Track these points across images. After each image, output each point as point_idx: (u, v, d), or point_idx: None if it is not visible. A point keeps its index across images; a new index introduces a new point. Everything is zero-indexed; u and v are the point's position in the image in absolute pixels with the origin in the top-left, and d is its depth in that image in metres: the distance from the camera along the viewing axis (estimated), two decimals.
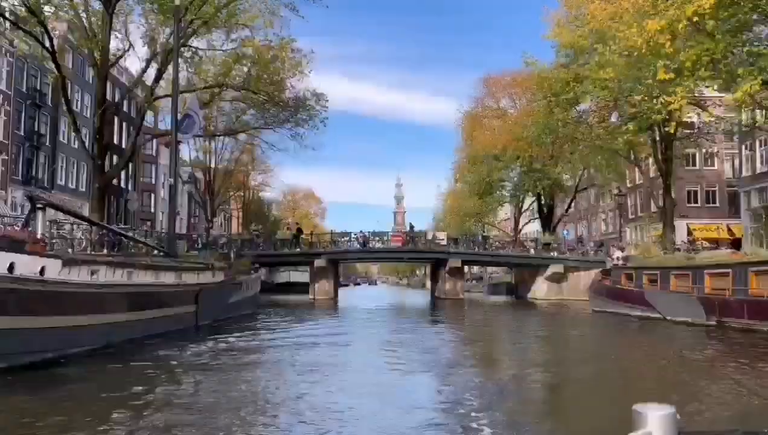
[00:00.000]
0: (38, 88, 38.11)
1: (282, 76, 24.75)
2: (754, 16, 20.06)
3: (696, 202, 45.73)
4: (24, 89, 36.71)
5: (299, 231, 39.50)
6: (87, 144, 26.56)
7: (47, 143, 39.23)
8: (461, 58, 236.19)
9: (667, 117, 21.26)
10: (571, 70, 29.95)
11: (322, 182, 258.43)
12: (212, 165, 48.50)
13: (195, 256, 23.72)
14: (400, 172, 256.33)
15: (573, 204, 55.74)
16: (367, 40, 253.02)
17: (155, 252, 20.04)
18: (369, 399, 8.38)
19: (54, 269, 9.84)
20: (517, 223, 56.19)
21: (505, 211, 65.86)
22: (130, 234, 22.26)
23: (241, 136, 39.10)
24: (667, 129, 24.67)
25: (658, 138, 30.20)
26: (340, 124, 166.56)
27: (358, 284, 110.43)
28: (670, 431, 2.08)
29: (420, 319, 27.66)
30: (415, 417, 7.27)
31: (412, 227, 46.03)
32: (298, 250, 37.75)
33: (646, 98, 21.50)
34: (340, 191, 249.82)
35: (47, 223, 15.17)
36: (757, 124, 25.95)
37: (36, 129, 38.06)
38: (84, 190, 42.96)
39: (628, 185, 49.07)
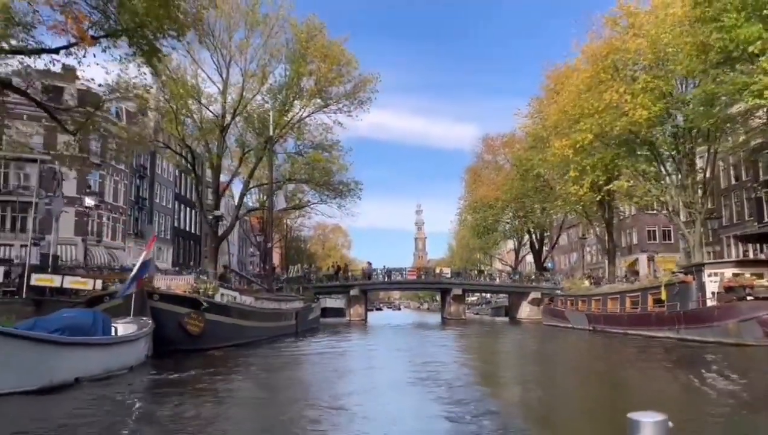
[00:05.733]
0: (142, 163, 50.99)
1: (332, 168, 37.10)
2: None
3: (655, 239, 56.98)
4: (134, 165, 49.55)
5: (338, 268, 51.68)
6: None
7: (147, 204, 51.97)
8: (486, 83, 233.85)
9: (580, 199, 33.00)
10: (535, 152, 41.85)
11: (343, 209, 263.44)
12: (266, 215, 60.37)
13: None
14: (420, 198, 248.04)
15: (559, 239, 67.16)
16: (388, 66, 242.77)
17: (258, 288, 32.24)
18: (387, 368, 20.22)
19: (252, 301, 21.94)
20: (517, 254, 67.29)
21: (513, 243, 76.43)
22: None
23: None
24: (581, 204, 36.34)
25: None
26: (360, 150, 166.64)
27: (380, 309, 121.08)
28: None
29: (432, 330, 38.79)
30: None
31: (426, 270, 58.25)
32: (337, 282, 49.57)
33: (567, 187, 33.36)
34: (360, 217, 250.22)
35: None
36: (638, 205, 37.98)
37: (140, 194, 50.86)
38: (168, 237, 55.74)
39: (604, 224, 60.24)
